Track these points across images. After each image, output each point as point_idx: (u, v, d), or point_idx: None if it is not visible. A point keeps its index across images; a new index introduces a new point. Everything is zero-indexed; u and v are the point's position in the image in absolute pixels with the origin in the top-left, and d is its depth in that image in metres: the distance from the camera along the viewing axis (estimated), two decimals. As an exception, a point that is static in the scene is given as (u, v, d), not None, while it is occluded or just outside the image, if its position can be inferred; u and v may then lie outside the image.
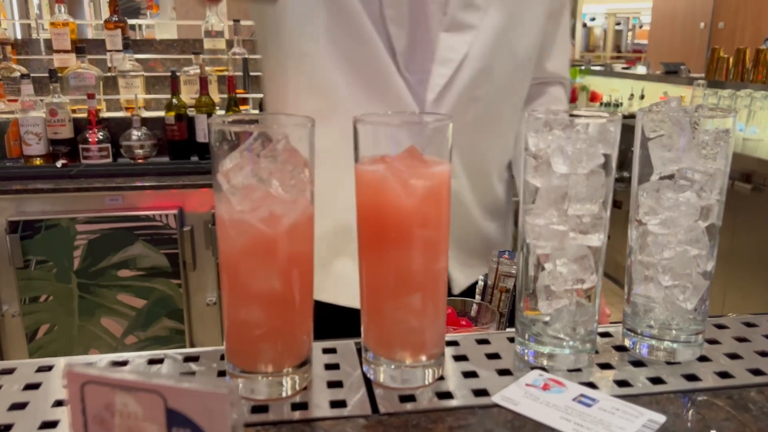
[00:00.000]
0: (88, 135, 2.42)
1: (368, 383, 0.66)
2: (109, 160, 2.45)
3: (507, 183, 1.19)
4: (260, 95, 2.28)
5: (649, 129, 0.69)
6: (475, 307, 1.04)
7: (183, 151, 2.50)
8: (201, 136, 2.47)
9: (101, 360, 0.70)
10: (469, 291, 1.12)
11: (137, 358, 0.70)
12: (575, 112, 0.67)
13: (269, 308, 0.60)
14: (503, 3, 0.97)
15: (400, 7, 0.94)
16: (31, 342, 2.18)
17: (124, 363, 0.69)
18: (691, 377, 0.67)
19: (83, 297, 2.16)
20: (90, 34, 3.48)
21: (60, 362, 0.68)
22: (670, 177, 0.69)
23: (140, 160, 2.48)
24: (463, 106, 0.99)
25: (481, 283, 1.06)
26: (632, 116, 0.74)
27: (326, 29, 0.94)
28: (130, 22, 2.83)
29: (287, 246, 0.59)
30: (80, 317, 2.18)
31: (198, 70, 2.55)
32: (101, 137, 2.43)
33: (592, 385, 0.66)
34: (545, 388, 0.65)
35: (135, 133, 2.48)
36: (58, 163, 2.34)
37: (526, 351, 0.71)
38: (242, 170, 0.56)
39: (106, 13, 2.82)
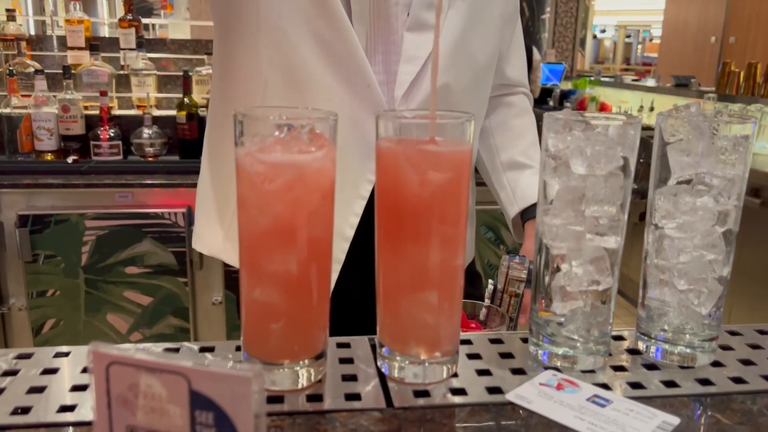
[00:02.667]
0: (99, 132, 2.43)
1: (382, 378, 0.66)
2: (120, 157, 2.46)
3: (473, 188, 1.19)
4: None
5: (668, 133, 0.69)
6: (484, 310, 1.05)
7: (193, 150, 2.51)
8: (211, 136, 2.48)
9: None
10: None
11: (153, 347, 0.70)
12: (592, 114, 0.67)
13: (287, 299, 0.61)
14: (463, 3, 0.99)
15: (363, 4, 0.94)
16: (36, 336, 2.19)
17: (139, 352, 0.69)
18: (705, 381, 0.67)
19: (90, 293, 2.17)
20: (104, 32, 3.50)
21: (76, 349, 0.69)
22: (688, 182, 0.69)
23: (150, 158, 2.49)
24: (429, 105, 0.99)
25: (490, 287, 1.06)
26: (642, 128, 0.75)
27: (303, 10, 0.92)
28: (144, 21, 2.84)
29: (306, 232, 0.60)
30: (86, 313, 2.19)
31: (210, 70, 2.56)
32: (112, 134, 2.44)
33: (605, 387, 0.66)
34: (559, 387, 0.65)
35: (146, 131, 2.49)
36: (69, 159, 2.35)
37: (539, 351, 0.71)
38: (266, 152, 0.57)
39: (120, 11, 2.83)
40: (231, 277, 2.26)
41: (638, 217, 3.20)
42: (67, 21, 2.64)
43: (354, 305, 0.93)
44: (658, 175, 0.71)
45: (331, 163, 0.61)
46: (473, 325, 1.02)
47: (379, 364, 0.67)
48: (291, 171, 0.58)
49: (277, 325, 0.61)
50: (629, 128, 0.65)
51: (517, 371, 0.68)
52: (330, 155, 0.60)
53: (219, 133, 1.10)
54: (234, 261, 1.10)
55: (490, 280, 1.06)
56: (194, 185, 2.15)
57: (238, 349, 0.71)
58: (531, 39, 6.30)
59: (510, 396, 0.63)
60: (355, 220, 0.99)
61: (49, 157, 2.42)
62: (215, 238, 1.12)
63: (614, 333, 0.77)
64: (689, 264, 0.69)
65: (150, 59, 2.70)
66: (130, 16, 2.68)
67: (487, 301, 1.05)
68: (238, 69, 1.00)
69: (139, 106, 2.64)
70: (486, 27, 1.04)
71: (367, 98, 0.95)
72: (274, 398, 0.61)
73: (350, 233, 1.00)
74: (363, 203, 0.99)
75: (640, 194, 2.93)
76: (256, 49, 0.96)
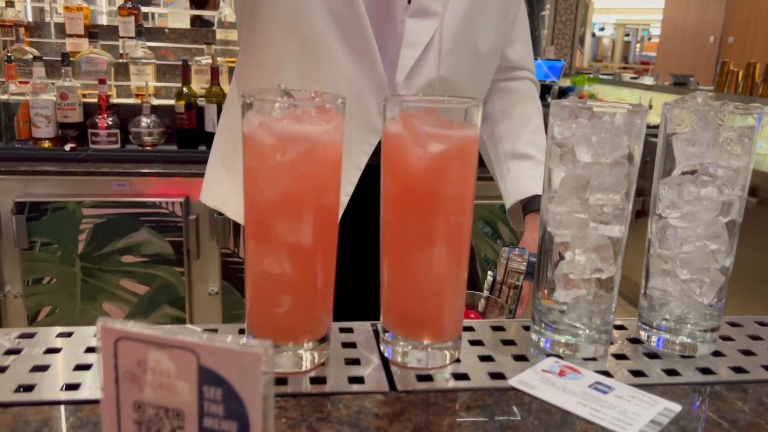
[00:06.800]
0: (97, 120, 2.42)
1: (385, 362, 0.66)
2: (118, 145, 2.45)
3: None
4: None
5: (674, 123, 0.69)
6: (483, 301, 1.05)
7: (191, 140, 2.51)
8: (210, 126, 2.47)
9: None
10: None
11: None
12: (599, 103, 0.67)
13: (293, 278, 0.61)
14: None
15: None
16: (32, 324, 2.18)
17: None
18: (706, 371, 0.68)
19: (86, 281, 2.16)
20: (103, 20, 3.48)
21: (79, 330, 0.69)
22: (693, 172, 0.69)
23: (148, 147, 2.48)
24: (431, 89, 1.02)
25: (489, 278, 1.07)
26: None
27: None
28: (144, 9, 2.83)
29: (313, 206, 0.60)
30: (82, 301, 2.18)
31: (209, 60, 2.55)
32: (110, 123, 2.43)
33: (607, 374, 0.66)
34: (561, 374, 0.65)
35: (144, 120, 2.48)
36: (67, 147, 2.34)
37: (541, 339, 0.71)
38: (277, 124, 0.58)
39: (119, -1, 2.82)
40: (228, 267, 2.26)
41: (634, 215, 3.21)
42: (66, 8, 2.62)
43: (351, 280, 0.94)
44: (663, 165, 0.71)
45: (340, 137, 0.61)
46: (472, 316, 1.03)
47: (382, 348, 0.68)
48: (302, 144, 0.58)
49: (281, 308, 0.61)
50: (635, 117, 0.65)
51: (520, 358, 0.69)
52: (339, 129, 0.60)
53: (239, 88, 1.14)
54: (235, 216, 1.15)
55: (489, 272, 1.07)
56: (192, 175, 2.18)
57: (241, 332, 0.71)
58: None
59: (512, 381, 0.63)
60: (350, 189, 1.03)
61: (46, 144, 2.41)
62: (222, 188, 1.16)
63: (616, 322, 0.78)
64: (692, 254, 0.69)
65: (149, 48, 2.69)
66: (129, 5, 2.67)
67: (486, 292, 1.06)
68: (260, 33, 1.04)
69: (137, 95, 2.63)
70: (489, 13, 1.05)
71: (371, 73, 0.99)
72: (278, 380, 0.61)
73: (345, 200, 1.03)
74: (358, 174, 1.03)
75: (637, 192, 2.93)
76: (276, 16, 0.99)
